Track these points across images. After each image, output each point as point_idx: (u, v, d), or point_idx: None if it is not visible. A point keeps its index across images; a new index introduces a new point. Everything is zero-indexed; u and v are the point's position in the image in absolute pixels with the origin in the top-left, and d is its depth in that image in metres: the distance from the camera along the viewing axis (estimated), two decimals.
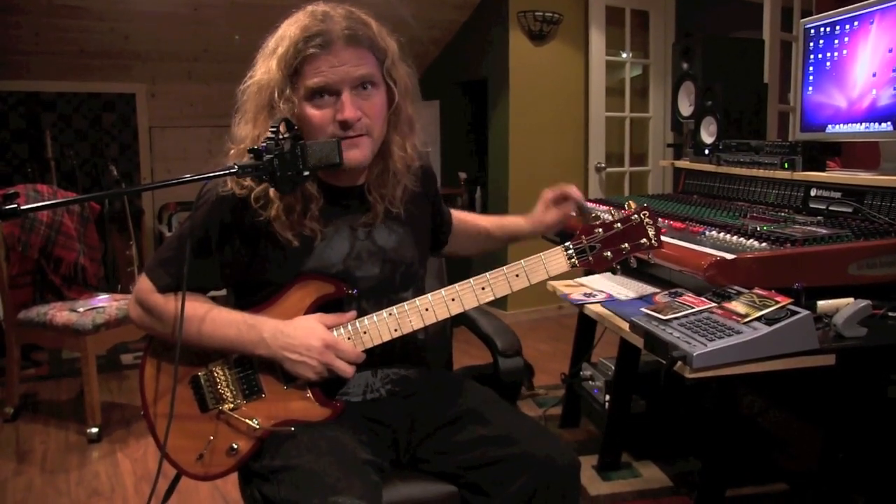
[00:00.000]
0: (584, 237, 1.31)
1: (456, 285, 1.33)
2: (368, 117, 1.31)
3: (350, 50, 1.27)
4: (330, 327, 1.33)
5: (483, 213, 5.01)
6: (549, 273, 1.32)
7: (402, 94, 1.37)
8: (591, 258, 1.31)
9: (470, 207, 5.05)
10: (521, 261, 1.32)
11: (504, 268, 1.32)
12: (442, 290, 1.32)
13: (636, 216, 1.30)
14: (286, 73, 1.28)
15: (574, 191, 1.57)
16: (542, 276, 1.33)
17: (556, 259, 1.31)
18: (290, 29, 1.29)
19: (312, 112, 1.29)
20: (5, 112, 4.47)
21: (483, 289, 1.31)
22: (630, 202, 1.34)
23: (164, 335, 1.39)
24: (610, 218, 1.32)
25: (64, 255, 3.16)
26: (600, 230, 1.30)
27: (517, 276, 1.31)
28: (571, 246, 1.31)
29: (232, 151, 1.36)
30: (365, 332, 1.33)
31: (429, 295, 1.33)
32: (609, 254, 1.30)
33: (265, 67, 1.31)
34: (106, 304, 3.01)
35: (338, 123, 1.28)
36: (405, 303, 1.33)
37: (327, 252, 1.37)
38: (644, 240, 1.31)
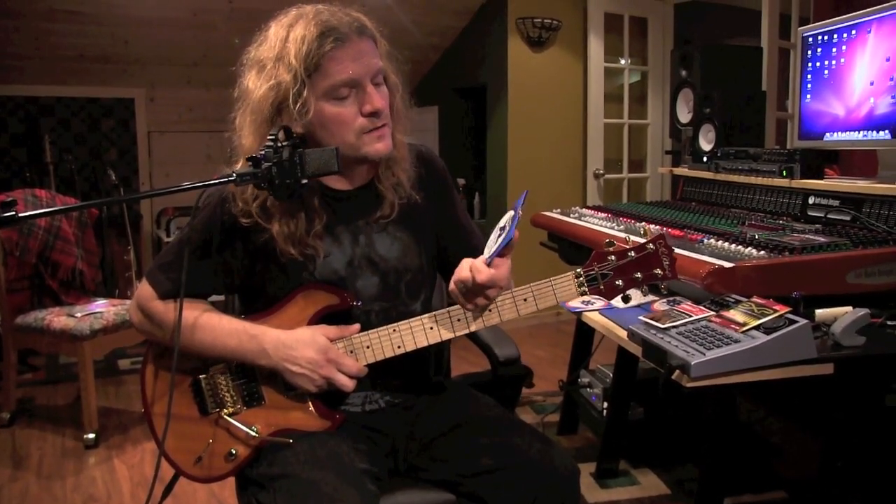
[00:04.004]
0: (596, 264, 1.27)
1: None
2: (386, 108, 1.31)
3: (364, 42, 1.28)
4: (332, 340, 1.32)
5: (482, 219, 5.03)
6: (559, 299, 1.28)
7: (395, 85, 1.37)
8: (602, 286, 1.27)
9: (469, 214, 5.05)
10: (531, 285, 1.28)
11: (512, 292, 1.29)
12: (448, 310, 1.31)
13: (651, 245, 1.27)
14: (302, 73, 1.24)
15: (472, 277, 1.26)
16: (551, 302, 1.29)
17: (566, 286, 1.28)
18: (293, 32, 1.26)
19: (336, 109, 1.27)
20: (4, 117, 4.46)
21: (490, 311, 1.29)
22: (648, 228, 1.30)
23: (164, 341, 1.39)
24: (624, 245, 1.28)
25: (62, 259, 3.15)
26: (613, 258, 1.27)
27: (525, 300, 1.29)
28: (583, 273, 1.27)
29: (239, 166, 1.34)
30: (367, 347, 1.33)
31: (435, 313, 1.31)
32: (621, 282, 1.27)
33: (269, 75, 1.27)
34: (103, 309, 3.00)
35: (366, 115, 1.28)
36: (410, 320, 1.32)
37: (329, 259, 1.37)
38: (658, 270, 1.26)
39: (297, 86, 1.25)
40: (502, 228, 1.28)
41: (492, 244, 1.29)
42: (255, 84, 1.29)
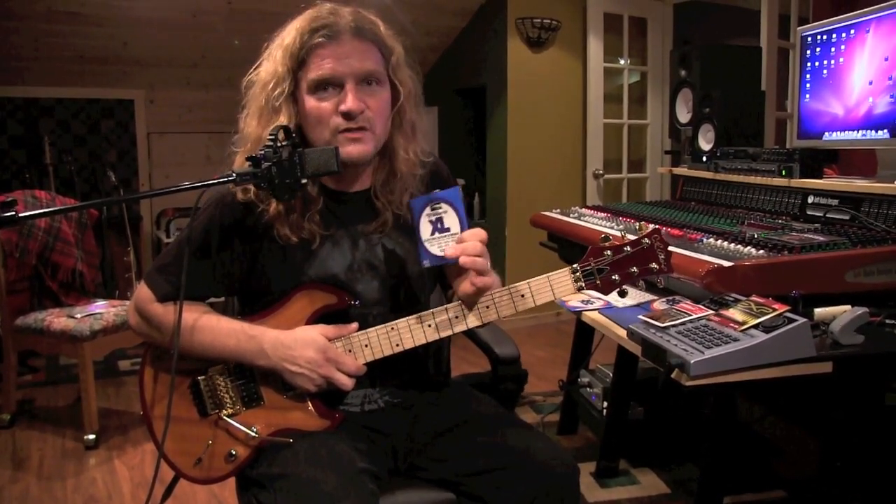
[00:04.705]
0: (592, 259, 1.28)
1: (460, 303, 1.30)
2: (371, 111, 1.31)
3: (357, 42, 1.29)
4: (331, 339, 1.32)
5: (482, 220, 5.04)
6: (556, 295, 1.29)
7: (406, 96, 1.38)
8: (598, 281, 1.28)
9: (468, 215, 5.05)
10: (527, 281, 1.28)
11: (509, 287, 1.29)
12: (446, 307, 1.31)
13: (647, 240, 1.28)
14: (291, 65, 1.29)
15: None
16: (548, 298, 1.29)
17: (563, 281, 1.28)
18: (296, 23, 1.31)
19: (316, 104, 1.29)
20: (3, 118, 4.46)
21: (487, 307, 1.29)
22: (644, 223, 1.31)
23: (163, 344, 1.39)
24: (620, 240, 1.29)
25: (62, 261, 3.15)
26: (609, 252, 1.27)
27: (523, 296, 1.29)
28: (579, 268, 1.28)
29: (238, 154, 1.36)
30: (366, 346, 1.33)
31: (433, 310, 1.31)
32: (617, 277, 1.27)
33: (271, 61, 1.32)
34: (103, 310, 3.00)
35: (341, 114, 1.28)
36: (409, 317, 1.32)
37: (329, 262, 1.37)
38: (654, 264, 1.28)
39: (288, 76, 1.29)
40: (438, 219, 1.25)
41: (449, 233, 1.25)
42: (264, 71, 1.33)
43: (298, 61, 1.29)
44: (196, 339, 1.34)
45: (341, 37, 1.28)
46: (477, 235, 1.25)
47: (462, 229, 1.24)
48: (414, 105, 1.41)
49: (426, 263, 1.26)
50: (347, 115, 1.28)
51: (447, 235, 1.25)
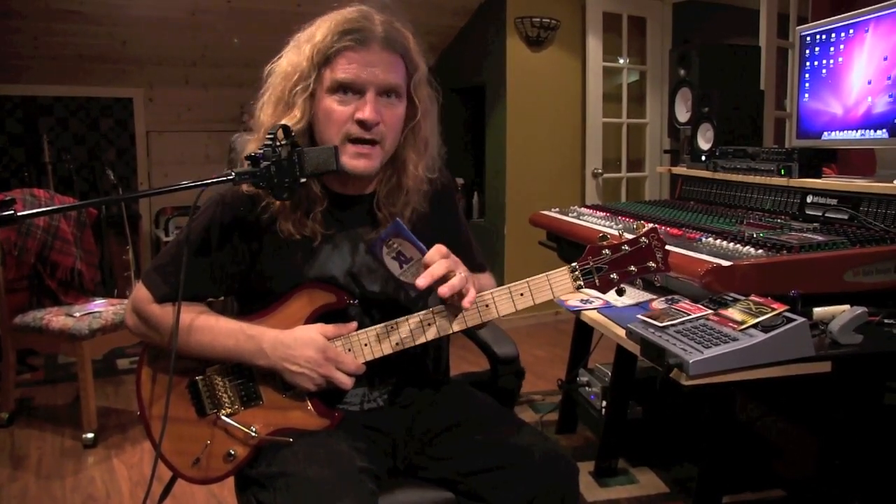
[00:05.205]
0: (590, 258, 1.29)
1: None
2: (385, 125, 1.31)
3: (385, 53, 1.29)
4: (330, 338, 1.32)
5: (481, 218, 5.04)
6: (555, 294, 1.30)
7: (424, 113, 1.38)
8: (597, 280, 1.29)
9: (467, 214, 5.06)
10: (527, 280, 1.29)
11: (509, 286, 1.30)
12: (445, 307, 1.31)
13: (644, 239, 1.29)
14: (316, 61, 1.28)
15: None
16: (547, 297, 1.30)
17: (561, 280, 1.29)
18: (327, 21, 1.31)
19: (333, 106, 1.29)
20: (2, 116, 4.46)
21: (487, 306, 1.30)
22: (641, 222, 1.33)
23: (160, 344, 1.39)
24: (618, 239, 1.30)
25: (61, 259, 3.15)
26: (608, 252, 1.29)
27: (522, 294, 1.30)
28: (578, 267, 1.29)
29: (251, 140, 1.36)
30: (366, 345, 1.33)
31: (432, 309, 1.32)
32: (615, 276, 1.28)
33: (295, 53, 1.32)
34: (102, 308, 3.00)
35: (356, 122, 1.28)
36: (409, 317, 1.32)
37: (329, 264, 1.37)
38: (651, 263, 1.29)
39: (311, 72, 1.29)
40: (399, 253, 1.27)
41: (409, 263, 1.27)
42: (286, 61, 1.33)
43: (325, 58, 1.29)
44: (194, 340, 1.34)
45: (371, 44, 1.28)
46: (438, 253, 1.24)
47: (422, 253, 1.25)
48: (429, 123, 1.41)
49: (413, 293, 1.31)
50: (362, 124, 1.28)
51: (413, 264, 1.27)
